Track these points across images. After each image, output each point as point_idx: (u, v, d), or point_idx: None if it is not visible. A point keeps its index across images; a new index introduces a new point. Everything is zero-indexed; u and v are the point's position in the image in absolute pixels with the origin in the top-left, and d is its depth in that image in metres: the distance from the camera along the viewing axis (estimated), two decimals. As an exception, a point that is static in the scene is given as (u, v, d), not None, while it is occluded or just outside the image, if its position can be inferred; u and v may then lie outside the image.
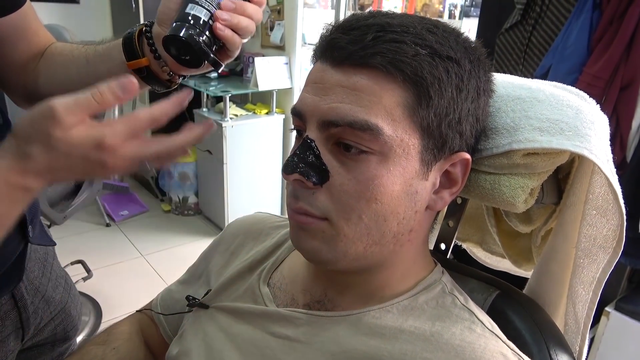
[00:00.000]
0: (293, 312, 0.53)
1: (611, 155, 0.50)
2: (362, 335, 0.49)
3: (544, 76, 1.48)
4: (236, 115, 2.67)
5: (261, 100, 2.93)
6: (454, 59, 0.45)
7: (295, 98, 2.82)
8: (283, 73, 2.70)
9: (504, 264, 0.79)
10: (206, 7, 0.53)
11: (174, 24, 0.53)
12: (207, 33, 0.53)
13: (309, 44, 2.78)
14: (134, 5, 2.81)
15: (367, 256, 0.48)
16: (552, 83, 0.57)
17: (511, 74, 1.70)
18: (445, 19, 2.78)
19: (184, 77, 0.63)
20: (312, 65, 0.51)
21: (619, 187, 0.49)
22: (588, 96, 0.54)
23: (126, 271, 2.43)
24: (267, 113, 2.78)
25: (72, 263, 2.20)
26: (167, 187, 3.03)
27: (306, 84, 0.49)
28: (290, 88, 2.76)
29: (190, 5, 0.53)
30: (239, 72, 3.04)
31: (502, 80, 0.56)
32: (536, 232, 0.63)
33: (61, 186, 1.78)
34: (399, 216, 0.47)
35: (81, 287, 2.09)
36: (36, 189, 0.44)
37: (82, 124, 0.42)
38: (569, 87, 0.56)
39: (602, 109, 1.38)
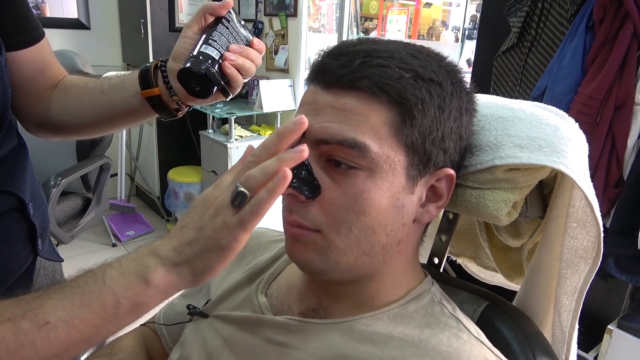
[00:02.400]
0: (288, 320, 0.55)
1: (588, 171, 0.53)
2: (354, 342, 0.51)
3: (540, 96, 1.52)
4: (241, 137, 2.72)
5: (265, 121, 2.99)
6: (436, 81, 0.48)
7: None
8: (287, 95, 2.77)
9: (497, 279, 0.81)
10: (217, 48, 0.62)
11: (190, 59, 0.60)
12: (216, 68, 0.61)
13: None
14: (142, 31, 2.90)
15: (357, 266, 0.51)
16: (533, 103, 0.60)
17: (509, 94, 1.75)
18: (450, 41, 2.84)
19: (190, 107, 0.68)
20: (306, 88, 0.55)
21: (596, 200, 0.51)
22: (567, 115, 0.57)
23: (131, 291, 2.45)
24: (271, 133, 2.83)
25: (79, 282, 2.22)
26: (173, 208, 3.07)
27: (300, 105, 0.53)
28: (294, 110, 2.82)
29: (204, 45, 0.61)
30: (244, 94, 3.10)
31: (486, 101, 0.59)
32: (525, 246, 0.66)
33: (69, 205, 1.82)
34: (386, 228, 0.50)
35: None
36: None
37: None
38: (550, 106, 0.59)
39: (598, 128, 1.41)
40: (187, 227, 0.44)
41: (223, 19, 0.64)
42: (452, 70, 0.51)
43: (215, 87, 0.62)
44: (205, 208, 0.44)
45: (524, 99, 1.66)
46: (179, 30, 3.01)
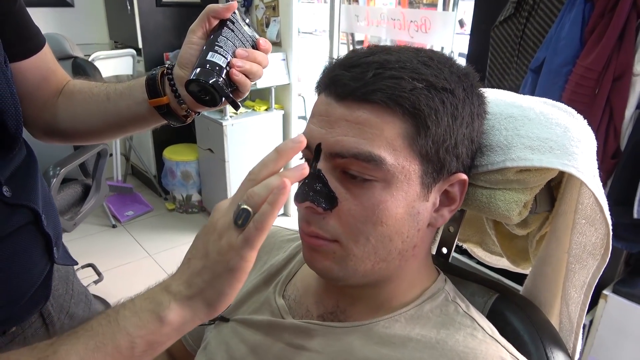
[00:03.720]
0: (308, 324, 0.57)
1: (597, 171, 0.54)
2: (374, 345, 0.53)
3: (538, 68, 1.51)
4: (236, 113, 2.70)
5: (260, 97, 2.96)
6: (448, 90, 0.48)
7: (293, 93, 2.85)
8: (281, 69, 2.72)
9: (502, 262, 0.83)
10: (224, 54, 0.60)
11: (197, 69, 0.59)
12: (223, 76, 0.60)
13: (303, 32, 2.80)
14: (129, 8, 2.82)
15: (375, 272, 0.52)
16: (541, 99, 0.60)
17: (507, 65, 1.73)
18: (439, 9, 2.79)
19: (199, 113, 0.68)
20: (316, 97, 0.55)
21: (605, 200, 0.52)
22: (575, 112, 0.58)
23: (135, 271, 2.49)
24: (266, 109, 2.81)
25: (83, 267, 2.25)
26: (171, 186, 3.07)
27: (312, 115, 0.53)
28: (288, 84, 2.78)
29: (210, 53, 0.60)
30: (236, 69, 3.05)
31: (495, 98, 0.60)
32: (531, 236, 0.67)
33: (69, 193, 1.82)
34: (403, 235, 0.51)
35: (93, 290, 2.14)
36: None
37: None
38: (558, 103, 0.59)
39: (597, 99, 1.41)
40: (194, 257, 0.43)
41: (228, 22, 0.63)
42: (463, 75, 0.51)
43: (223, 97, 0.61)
44: (207, 234, 0.43)
45: (522, 70, 1.66)
46: (167, 4, 2.94)
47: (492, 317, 0.60)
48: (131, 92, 0.67)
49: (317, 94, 0.55)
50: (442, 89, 0.48)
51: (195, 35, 0.63)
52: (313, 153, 0.51)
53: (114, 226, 2.90)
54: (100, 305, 1.00)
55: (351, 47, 3.29)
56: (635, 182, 1.36)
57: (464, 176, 0.52)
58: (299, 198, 0.49)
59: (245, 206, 0.40)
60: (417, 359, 0.50)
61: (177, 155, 2.97)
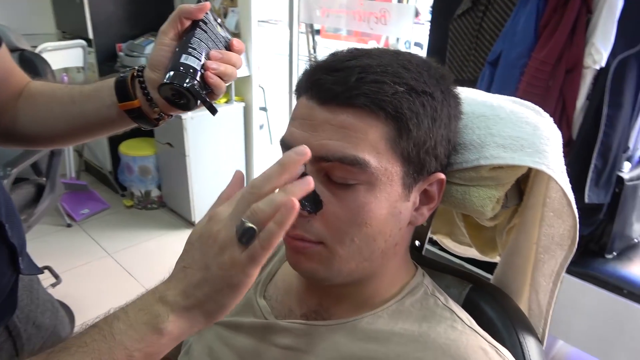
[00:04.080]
0: (293, 324, 0.58)
1: (564, 167, 0.57)
2: (359, 341, 0.54)
3: (496, 60, 1.56)
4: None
5: (219, 88, 2.90)
6: (428, 93, 0.50)
7: (253, 85, 2.81)
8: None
9: (470, 252, 0.86)
10: (197, 57, 0.59)
11: (171, 73, 0.57)
12: (198, 79, 0.58)
13: (260, 21, 2.76)
14: (77, -4, 2.68)
15: (358, 271, 0.54)
16: (510, 98, 0.63)
17: (465, 58, 1.78)
18: (394, 1, 2.82)
19: (172, 116, 0.66)
20: (296, 99, 0.55)
21: (572, 194, 0.56)
22: (542, 110, 0.61)
23: (94, 272, 2.40)
24: (226, 102, 2.76)
25: (38, 269, 2.15)
26: (128, 182, 2.98)
27: (294, 117, 0.53)
28: (249, 75, 2.75)
29: (184, 55, 0.58)
30: (194, 60, 2.98)
31: (466, 97, 0.61)
32: (501, 228, 0.71)
33: (21, 194, 1.73)
34: (385, 235, 0.52)
35: (51, 293, 2.06)
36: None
37: None
38: (526, 102, 0.62)
39: (550, 91, 1.48)
40: (191, 267, 0.42)
41: (200, 22, 0.62)
42: (440, 78, 0.53)
43: (199, 101, 0.60)
44: (206, 245, 0.41)
45: (480, 62, 1.71)
46: (120, -7, 2.79)
47: (467, 307, 0.62)
48: (98, 94, 0.65)
49: (296, 97, 0.55)
50: (422, 92, 0.49)
51: (166, 36, 0.61)
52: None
53: (69, 225, 2.79)
54: (64, 313, 0.97)
55: (310, 38, 3.28)
56: (585, 170, 1.44)
57: (442, 175, 0.54)
58: None
59: (250, 224, 0.39)
60: (402, 352, 0.52)
61: (134, 150, 2.87)
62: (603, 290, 1.50)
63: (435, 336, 0.52)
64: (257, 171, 2.99)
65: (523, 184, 0.65)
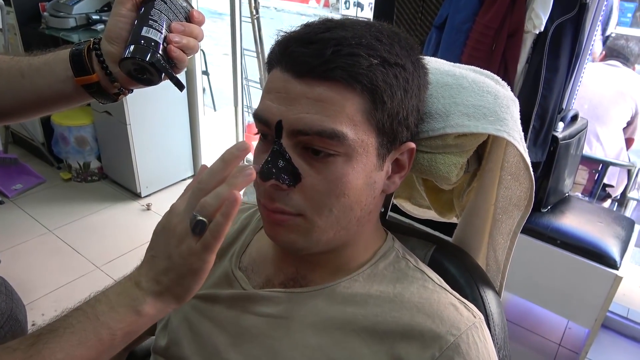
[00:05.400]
0: (272, 292, 0.59)
1: (522, 133, 0.61)
2: (338, 304, 0.57)
3: (442, 25, 1.60)
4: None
5: (158, 52, 2.76)
6: (400, 65, 0.51)
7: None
8: (180, 22, 2.55)
9: (428, 214, 0.91)
10: (158, 29, 0.56)
11: (131, 46, 0.54)
12: (160, 52, 0.56)
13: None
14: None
15: (336, 239, 0.55)
16: (471, 67, 0.65)
17: (412, 22, 1.80)
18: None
19: (132, 90, 0.63)
20: (267, 71, 0.54)
21: (529, 159, 0.60)
22: (501, 79, 0.64)
23: (35, 250, 2.29)
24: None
25: (-27, 251, 2.02)
26: (64, 154, 2.81)
27: (268, 91, 0.52)
28: (190, 38, 2.62)
29: (145, 28, 0.55)
30: (128, 21, 2.80)
31: (431, 67, 0.63)
32: (458, 191, 0.75)
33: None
34: (361, 204, 0.54)
35: (-11, 274, 1.94)
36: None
37: None
38: (485, 71, 0.65)
39: (493, 55, 1.53)
40: (158, 256, 0.47)
41: None
42: (410, 50, 0.54)
43: (163, 74, 0.57)
44: (167, 237, 0.46)
45: (426, 27, 1.73)
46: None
47: (432, 266, 0.66)
48: (51, 68, 0.60)
49: (268, 69, 0.55)
50: (395, 64, 0.50)
51: (124, 7, 0.58)
52: (273, 130, 0.51)
53: (1, 202, 2.61)
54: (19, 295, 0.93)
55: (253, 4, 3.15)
56: (525, 130, 1.53)
57: (413, 145, 0.56)
58: (264, 176, 0.50)
59: (201, 217, 0.44)
60: (380, 312, 0.55)
61: (69, 119, 2.70)
62: (539, 242, 1.63)
63: (409, 296, 0.56)
64: (202, 136, 2.91)
65: (481, 150, 0.69)
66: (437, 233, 1.57)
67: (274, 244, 0.63)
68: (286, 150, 0.50)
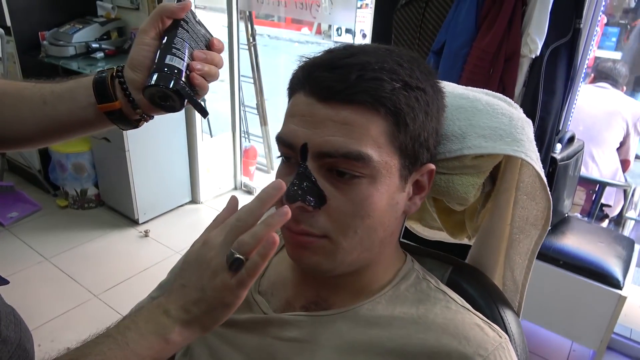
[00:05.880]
0: (295, 316, 0.59)
1: (538, 154, 0.62)
2: (362, 327, 0.56)
3: (440, 50, 1.64)
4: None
5: (156, 79, 2.78)
6: (421, 88, 0.52)
7: (194, 75, 2.72)
8: (179, 50, 2.58)
9: (438, 235, 0.91)
10: (181, 57, 0.58)
11: (156, 74, 0.56)
12: (183, 79, 0.57)
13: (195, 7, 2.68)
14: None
15: (359, 261, 0.56)
16: (483, 90, 0.67)
17: (409, 47, 1.84)
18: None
19: (153, 117, 0.64)
20: (289, 96, 0.56)
21: (545, 179, 0.61)
22: (513, 101, 0.66)
23: (31, 278, 2.25)
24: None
25: (-33, 280, 1.98)
26: (61, 181, 2.79)
27: (292, 115, 0.53)
28: (188, 65, 2.65)
29: (168, 56, 0.57)
30: (127, 49, 2.83)
31: (447, 91, 0.65)
32: (471, 212, 0.75)
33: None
34: (384, 225, 0.55)
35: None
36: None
37: None
38: (497, 94, 0.66)
39: (491, 78, 1.56)
40: (188, 286, 0.48)
41: (182, 22, 0.60)
42: (429, 74, 0.55)
43: (186, 100, 0.58)
44: (201, 269, 0.47)
45: (424, 51, 1.77)
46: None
47: (450, 287, 0.66)
48: (73, 95, 0.61)
49: (290, 93, 0.56)
50: (416, 87, 0.52)
51: (147, 35, 0.59)
52: (298, 153, 0.52)
53: (-4, 231, 2.57)
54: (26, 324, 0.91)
55: (249, 24, 3.21)
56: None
57: (433, 166, 0.57)
58: (290, 199, 0.50)
59: (238, 255, 0.45)
60: (405, 335, 0.55)
61: (66, 146, 2.69)
62: (541, 262, 1.63)
63: (433, 317, 0.56)
64: (201, 163, 2.92)
65: (494, 171, 0.70)
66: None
67: (293, 267, 0.63)
68: (311, 172, 0.51)
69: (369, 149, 0.50)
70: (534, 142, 0.63)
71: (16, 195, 2.84)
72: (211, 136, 3.23)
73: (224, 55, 2.88)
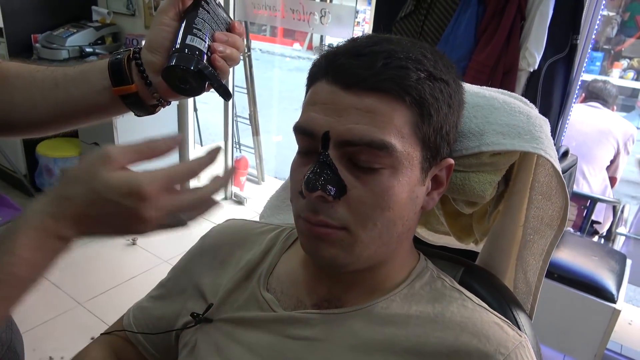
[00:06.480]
0: (307, 314, 0.57)
1: (556, 152, 0.62)
2: (376, 325, 0.55)
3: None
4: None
5: (150, 85, 2.76)
6: (444, 80, 0.52)
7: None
8: (174, 57, 2.57)
9: (444, 240, 0.90)
10: (203, 38, 0.56)
11: (176, 55, 0.53)
12: (204, 61, 0.55)
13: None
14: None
15: (376, 256, 0.54)
16: (498, 90, 0.67)
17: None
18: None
19: (170, 102, 0.62)
20: (307, 86, 0.54)
21: (563, 177, 0.61)
22: (528, 101, 0.65)
23: (13, 285, 2.17)
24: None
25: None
26: (48, 186, 2.73)
27: (312, 103, 0.52)
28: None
29: (189, 36, 0.55)
30: (121, 55, 2.81)
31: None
32: (482, 215, 0.75)
33: None
34: (404, 219, 0.53)
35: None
36: (70, 239, 0.44)
37: (123, 170, 0.44)
38: (513, 93, 0.66)
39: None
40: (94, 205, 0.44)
41: (202, 2, 0.58)
42: (451, 67, 0.55)
43: (208, 83, 0.57)
44: (124, 214, 0.44)
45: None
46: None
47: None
48: (87, 78, 0.59)
49: (309, 83, 0.55)
50: (440, 79, 0.51)
51: (166, 15, 0.57)
52: (319, 141, 0.50)
53: (-23, 235, 2.49)
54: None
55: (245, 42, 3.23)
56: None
57: (452, 161, 0.56)
58: (310, 187, 0.49)
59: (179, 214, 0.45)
60: (422, 333, 0.53)
61: (55, 150, 2.64)
62: (537, 274, 1.63)
63: (450, 315, 0.54)
64: (192, 172, 2.88)
65: (508, 171, 0.70)
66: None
67: (304, 264, 0.61)
68: (333, 161, 0.50)
69: (392, 139, 0.49)
70: (552, 141, 0.62)
71: (0, 200, 2.76)
72: (201, 145, 3.21)
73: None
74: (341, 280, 0.58)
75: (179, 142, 0.47)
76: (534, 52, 1.46)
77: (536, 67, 1.48)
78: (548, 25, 1.44)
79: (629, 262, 1.79)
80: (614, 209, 2.22)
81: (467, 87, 0.65)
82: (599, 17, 1.61)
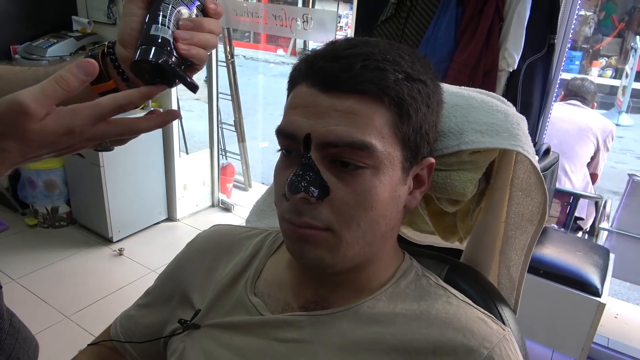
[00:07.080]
0: (294, 317, 0.57)
1: (533, 149, 0.63)
2: (363, 325, 0.55)
3: (419, 64, 1.67)
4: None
5: (133, 94, 2.74)
6: (422, 81, 0.53)
7: (172, 90, 2.70)
8: (157, 65, 2.56)
9: (429, 239, 0.91)
10: (169, 25, 0.51)
11: (141, 48, 0.50)
12: (175, 53, 0.51)
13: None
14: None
15: (360, 256, 0.55)
16: (477, 90, 0.68)
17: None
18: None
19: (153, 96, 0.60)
20: (288, 91, 0.55)
21: (541, 173, 0.62)
22: (506, 100, 0.67)
23: (-3, 300, 2.13)
24: (142, 108, 2.62)
25: None
26: (31, 199, 2.69)
27: (293, 106, 0.52)
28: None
29: (154, 26, 0.50)
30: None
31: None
32: (463, 213, 0.76)
33: None
34: (386, 218, 0.54)
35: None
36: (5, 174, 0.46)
37: (52, 113, 0.44)
38: (490, 92, 0.68)
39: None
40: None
41: None
42: (428, 67, 0.56)
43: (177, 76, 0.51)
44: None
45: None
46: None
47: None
48: None
49: (290, 88, 0.55)
50: (418, 80, 0.52)
51: (134, 4, 0.53)
52: (300, 144, 0.51)
53: (-41, 251, 2.45)
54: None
55: (227, 42, 3.23)
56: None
57: (432, 160, 0.57)
58: (293, 189, 0.49)
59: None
60: (408, 331, 0.54)
61: (37, 163, 2.59)
62: (523, 271, 1.65)
63: (436, 312, 0.55)
64: (178, 180, 2.87)
65: (488, 168, 0.71)
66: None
67: (290, 266, 0.62)
68: (315, 163, 0.50)
69: (373, 139, 0.50)
70: (530, 138, 0.64)
71: (-18, 214, 2.72)
72: (187, 153, 3.19)
73: (202, 73, 2.86)
74: (327, 282, 0.59)
75: (88, 71, 0.46)
76: (512, 52, 1.49)
77: (515, 67, 1.51)
78: (526, 25, 1.46)
79: (612, 256, 1.82)
80: (596, 204, 2.26)
81: (446, 87, 0.66)
82: (576, 16, 1.64)
